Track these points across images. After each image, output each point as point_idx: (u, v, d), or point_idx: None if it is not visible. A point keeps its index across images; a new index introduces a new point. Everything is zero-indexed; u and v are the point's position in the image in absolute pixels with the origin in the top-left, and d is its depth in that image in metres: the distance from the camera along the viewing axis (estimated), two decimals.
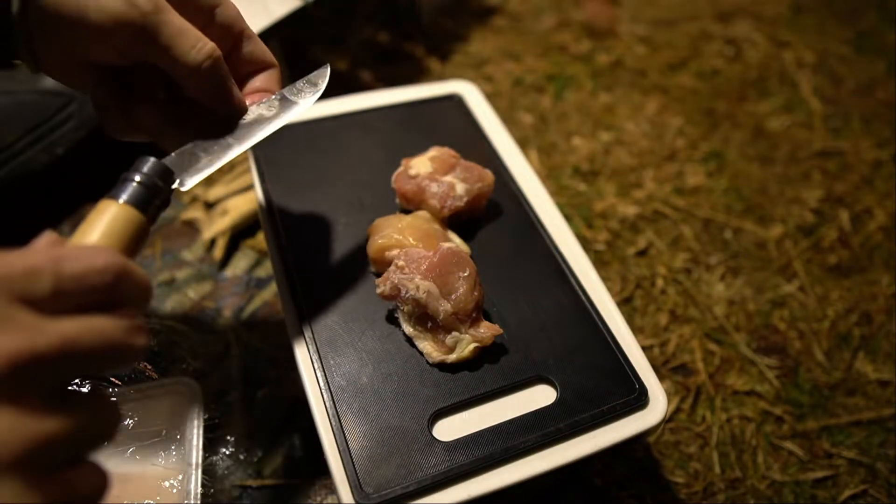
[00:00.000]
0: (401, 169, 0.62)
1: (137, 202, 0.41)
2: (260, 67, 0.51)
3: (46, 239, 0.34)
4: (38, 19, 0.42)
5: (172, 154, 0.48)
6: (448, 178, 0.60)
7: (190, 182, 0.47)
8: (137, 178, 0.42)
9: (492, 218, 0.63)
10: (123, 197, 0.41)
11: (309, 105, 0.51)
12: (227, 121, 0.50)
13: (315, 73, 0.54)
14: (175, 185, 0.45)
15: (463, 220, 0.61)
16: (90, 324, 0.31)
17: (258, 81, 0.51)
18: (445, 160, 0.61)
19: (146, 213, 0.41)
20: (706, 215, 0.90)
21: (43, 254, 0.31)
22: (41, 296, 0.30)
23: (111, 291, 0.32)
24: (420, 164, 0.61)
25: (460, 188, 0.59)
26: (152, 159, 0.43)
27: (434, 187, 0.59)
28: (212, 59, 0.45)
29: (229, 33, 0.48)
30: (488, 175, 0.61)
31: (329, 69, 0.54)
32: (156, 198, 0.42)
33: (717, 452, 0.68)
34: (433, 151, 0.62)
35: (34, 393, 0.28)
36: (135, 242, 0.40)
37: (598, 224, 0.88)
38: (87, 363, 0.31)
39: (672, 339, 0.77)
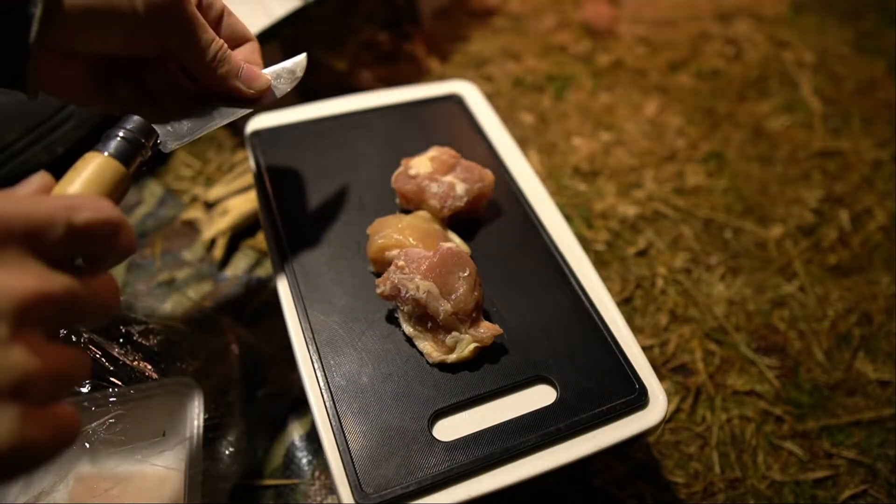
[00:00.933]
0: (401, 169, 0.62)
1: (121, 155, 0.43)
2: (241, 41, 0.53)
3: (41, 180, 0.36)
4: (56, 23, 0.42)
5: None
6: (448, 178, 0.60)
7: (172, 145, 0.49)
8: (121, 133, 0.44)
9: (492, 218, 0.63)
10: (108, 150, 0.43)
11: (285, 92, 0.53)
12: (211, 96, 0.52)
13: (294, 60, 0.55)
14: (157, 143, 0.47)
15: (463, 220, 0.61)
16: (88, 281, 0.33)
17: (241, 55, 0.52)
18: (445, 160, 0.61)
19: (128, 167, 0.43)
20: (706, 215, 0.90)
21: (56, 202, 0.32)
22: (52, 242, 0.32)
23: (109, 242, 0.35)
24: (420, 164, 0.61)
25: (460, 188, 0.59)
26: (137, 117, 0.45)
27: (434, 187, 0.59)
28: (224, 56, 0.49)
29: (211, 10, 0.51)
30: (488, 175, 0.61)
31: (306, 58, 0.55)
32: (138, 153, 0.44)
33: (717, 452, 0.68)
34: (433, 151, 0.62)
35: (35, 332, 0.31)
36: (118, 194, 0.42)
37: (598, 224, 0.88)
38: (79, 314, 0.33)
39: (672, 339, 0.77)
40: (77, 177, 0.40)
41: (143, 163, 0.46)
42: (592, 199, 0.92)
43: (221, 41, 0.49)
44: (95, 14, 0.43)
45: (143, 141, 0.45)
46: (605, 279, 0.82)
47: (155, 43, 0.47)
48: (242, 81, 0.51)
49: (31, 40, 0.41)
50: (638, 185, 0.94)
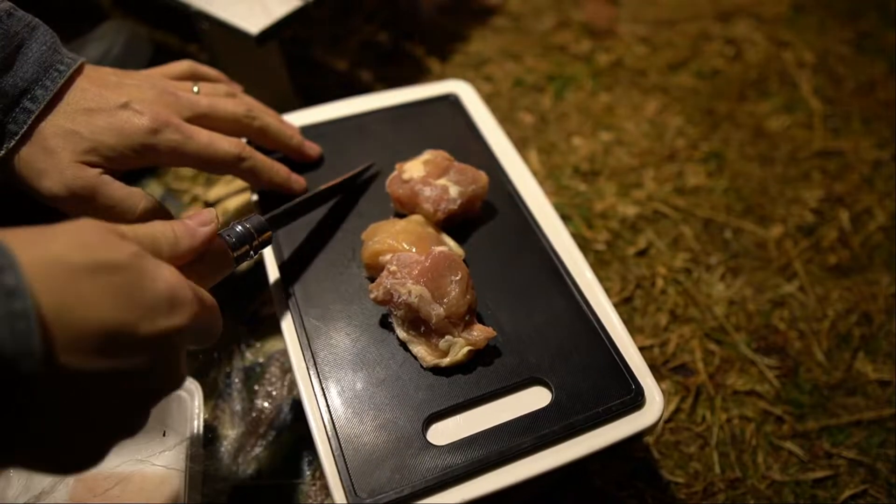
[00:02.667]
0: (394, 173, 0.62)
1: (231, 239, 0.50)
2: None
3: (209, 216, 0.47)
4: None
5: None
6: (441, 182, 0.60)
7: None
8: (240, 226, 0.51)
9: (487, 219, 0.63)
10: (226, 234, 0.50)
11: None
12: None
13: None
14: (269, 241, 0.54)
15: (458, 223, 0.61)
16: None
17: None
18: (439, 163, 0.61)
19: (233, 250, 0.50)
20: (706, 215, 0.90)
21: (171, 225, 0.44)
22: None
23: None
24: (413, 168, 0.61)
25: (454, 191, 0.59)
26: (257, 217, 0.52)
27: (427, 191, 0.59)
28: (147, 208, 0.56)
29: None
30: (482, 177, 0.61)
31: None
32: (246, 242, 0.51)
33: (717, 452, 0.68)
34: (427, 155, 0.62)
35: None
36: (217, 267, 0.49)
37: (598, 224, 0.88)
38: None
39: (672, 339, 0.77)
40: None
41: (251, 251, 0.51)
42: (592, 199, 0.92)
43: (143, 205, 0.55)
44: (26, 184, 0.54)
45: (254, 234, 0.51)
46: (605, 279, 0.82)
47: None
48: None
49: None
50: (638, 185, 0.94)
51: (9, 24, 0.49)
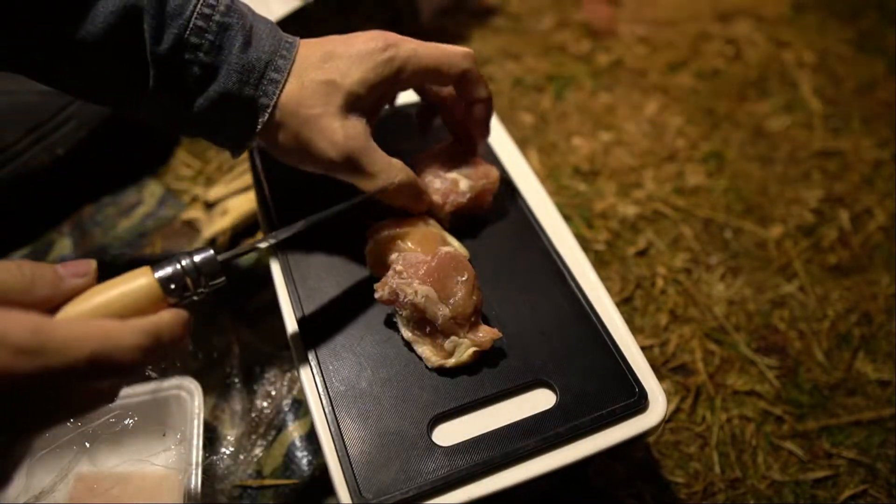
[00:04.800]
0: (425, 151, 0.62)
1: (167, 285, 0.42)
2: (473, 102, 0.60)
3: (87, 268, 0.41)
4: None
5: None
6: (452, 175, 0.59)
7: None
8: (184, 262, 0.43)
9: (491, 220, 0.63)
10: (158, 273, 0.42)
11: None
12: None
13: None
14: (219, 284, 0.46)
15: (466, 218, 0.61)
16: None
17: (475, 113, 0.61)
18: (450, 155, 0.61)
19: (171, 297, 0.43)
20: (706, 215, 0.90)
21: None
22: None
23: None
24: (423, 160, 0.61)
25: (464, 184, 0.59)
26: (210, 253, 0.44)
27: (437, 183, 0.59)
28: (403, 182, 0.55)
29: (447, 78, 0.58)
30: (493, 172, 0.61)
31: None
32: (188, 290, 0.44)
33: (717, 452, 0.68)
34: (439, 146, 0.62)
35: None
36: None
37: (598, 224, 0.88)
38: None
39: (672, 339, 0.77)
40: (113, 289, 0.41)
41: (196, 300, 0.45)
42: (592, 199, 0.92)
43: (400, 178, 0.55)
44: (296, 153, 0.55)
45: (200, 279, 0.44)
46: (605, 279, 0.82)
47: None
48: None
49: (253, 134, 0.55)
50: (638, 185, 0.94)
51: (239, 7, 0.53)
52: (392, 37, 0.55)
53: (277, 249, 0.59)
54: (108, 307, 0.40)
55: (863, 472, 0.68)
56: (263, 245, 0.51)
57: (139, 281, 0.41)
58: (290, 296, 0.56)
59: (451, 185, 0.59)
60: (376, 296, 0.52)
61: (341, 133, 0.53)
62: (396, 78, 0.55)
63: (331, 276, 0.58)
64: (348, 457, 0.46)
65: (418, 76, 0.56)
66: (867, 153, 1.00)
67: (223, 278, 0.45)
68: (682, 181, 0.95)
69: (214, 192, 0.86)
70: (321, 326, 0.54)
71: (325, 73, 0.53)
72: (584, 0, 1.27)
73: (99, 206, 0.85)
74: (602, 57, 1.16)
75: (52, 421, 0.39)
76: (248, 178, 0.87)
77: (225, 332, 0.72)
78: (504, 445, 0.47)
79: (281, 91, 0.53)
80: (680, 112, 1.06)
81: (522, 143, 0.98)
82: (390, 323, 0.54)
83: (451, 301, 0.50)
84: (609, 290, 0.58)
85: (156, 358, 0.39)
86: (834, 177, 0.97)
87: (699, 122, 1.04)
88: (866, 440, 0.70)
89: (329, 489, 0.63)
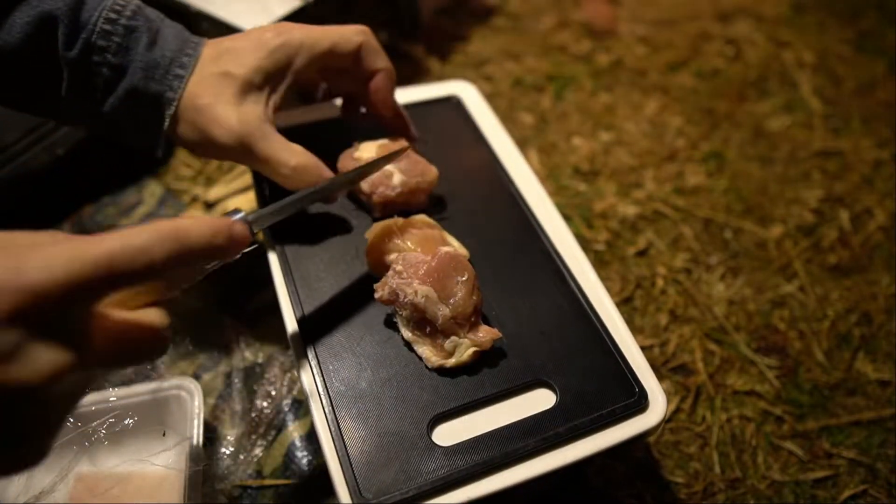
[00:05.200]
0: (349, 149, 0.62)
1: None
2: (373, 74, 0.62)
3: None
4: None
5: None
6: (389, 168, 0.60)
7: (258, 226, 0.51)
8: None
9: (490, 220, 0.63)
10: None
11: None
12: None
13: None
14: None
15: (398, 211, 0.60)
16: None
17: (374, 85, 0.62)
18: (392, 149, 0.61)
19: None
20: (706, 215, 0.90)
21: (90, 246, 0.33)
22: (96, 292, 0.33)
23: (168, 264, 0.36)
24: (367, 149, 0.62)
25: (396, 178, 0.60)
26: (241, 213, 0.47)
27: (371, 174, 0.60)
28: (300, 165, 0.57)
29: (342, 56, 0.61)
30: (432, 171, 0.61)
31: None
32: None
33: (717, 452, 0.68)
34: (385, 140, 0.63)
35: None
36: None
37: (598, 224, 0.88)
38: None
39: (672, 339, 0.77)
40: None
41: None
42: (592, 199, 0.92)
43: (296, 161, 0.56)
44: (198, 144, 0.57)
45: None
46: (605, 279, 0.82)
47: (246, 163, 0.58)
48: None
49: (162, 129, 0.57)
50: (638, 185, 0.94)
51: (146, 12, 0.56)
52: (286, 25, 0.59)
53: (276, 249, 0.59)
54: None
55: (863, 472, 0.68)
56: (290, 204, 0.53)
57: None
58: (290, 296, 0.56)
59: (383, 176, 0.59)
60: (376, 296, 0.52)
61: (235, 119, 0.55)
62: (291, 63, 0.57)
63: (331, 276, 0.58)
64: (348, 457, 0.46)
65: (316, 59, 0.59)
66: (867, 153, 1.00)
67: (253, 238, 0.47)
68: (682, 181, 0.95)
69: (214, 192, 0.86)
70: (321, 326, 0.54)
71: (221, 65, 0.56)
72: (584, 0, 1.27)
73: (99, 206, 0.85)
74: (602, 57, 1.16)
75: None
76: (248, 178, 0.87)
77: (225, 332, 0.72)
78: (504, 445, 0.47)
79: (185, 86, 0.56)
80: (680, 112, 1.06)
81: (522, 143, 0.98)
82: (390, 323, 0.54)
83: (451, 301, 0.50)
84: (609, 290, 0.59)
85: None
86: (834, 177, 0.97)
87: (699, 122, 1.04)
88: (866, 440, 0.70)
89: (329, 489, 0.62)
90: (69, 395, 0.34)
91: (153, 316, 0.37)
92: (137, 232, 0.34)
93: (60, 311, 0.31)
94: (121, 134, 0.59)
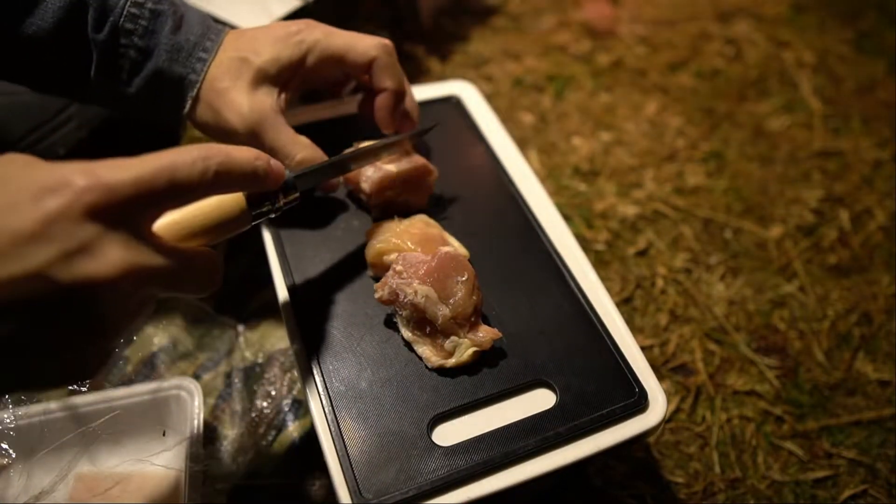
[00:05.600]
0: (349, 150, 0.62)
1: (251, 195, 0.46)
2: (380, 90, 0.63)
3: None
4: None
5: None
6: (389, 166, 0.60)
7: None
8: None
9: (490, 221, 0.63)
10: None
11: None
12: None
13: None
14: (294, 201, 0.50)
15: (400, 210, 0.61)
16: (189, 257, 0.40)
17: (379, 101, 0.63)
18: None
19: (252, 208, 0.46)
20: (706, 215, 0.90)
21: (151, 159, 0.37)
22: (157, 199, 0.37)
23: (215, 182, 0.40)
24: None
25: (391, 167, 0.60)
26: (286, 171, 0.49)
27: (370, 171, 0.60)
28: (306, 159, 0.58)
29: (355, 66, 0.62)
30: (432, 171, 0.61)
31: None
32: (268, 200, 0.47)
33: (717, 452, 0.68)
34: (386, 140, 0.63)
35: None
36: (231, 223, 0.45)
37: (598, 224, 0.88)
38: (174, 286, 0.39)
39: (672, 339, 0.77)
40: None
41: (272, 210, 0.48)
42: (592, 199, 0.92)
43: (302, 155, 0.58)
44: (213, 128, 0.59)
45: (277, 194, 0.48)
46: (605, 279, 0.82)
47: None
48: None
49: (184, 111, 0.59)
50: (638, 185, 0.94)
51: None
52: (309, 23, 0.60)
53: (278, 251, 0.59)
54: (199, 210, 0.43)
55: (863, 472, 0.68)
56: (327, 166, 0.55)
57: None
58: (290, 296, 0.56)
59: (383, 175, 0.60)
60: (376, 296, 0.52)
61: (247, 106, 0.57)
62: (305, 58, 0.59)
63: (331, 276, 0.58)
64: (348, 457, 0.46)
65: (326, 61, 0.60)
66: (867, 153, 1.00)
67: (297, 194, 0.50)
68: (682, 181, 0.95)
69: None
70: (321, 327, 0.54)
71: (240, 51, 0.58)
72: (584, 0, 1.27)
73: None
74: (602, 57, 1.16)
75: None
76: None
77: (225, 332, 0.72)
78: (504, 445, 0.47)
79: (207, 70, 0.58)
80: (680, 112, 1.06)
81: (522, 143, 0.98)
82: (390, 323, 0.54)
83: (451, 301, 0.50)
84: (609, 290, 0.59)
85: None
86: (834, 177, 0.97)
87: (699, 122, 1.04)
88: (866, 440, 0.70)
89: (329, 489, 0.63)
90: (132, 308, 0.37)
91: (210, 251, 0.41)
92: (190, 147, 0.38)
93: (131, 211, 0.35)
94: (145, 114, 0.60)
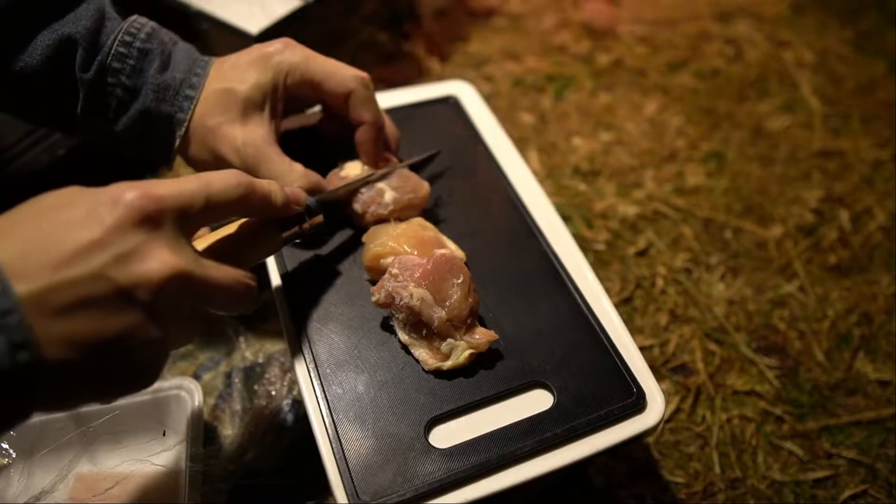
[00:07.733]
0: (336, 169, 0.62)
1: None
2: (360, 123, 0.62)
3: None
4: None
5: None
6: (380, 185, 0.60)
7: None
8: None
9: (488, 222, 0.63)
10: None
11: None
12: None
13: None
14: (319, 225, 0.54)
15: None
16: (227, 272, 0.43)
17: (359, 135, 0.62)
18: (380, 165, 0.61)
19: (282, 230, 0.51)
20: (706, 215, 0.90)
21: (191, 179, 0.41)
22: (196, 212, 0.41)
23: (243, 202, 0.44)
24: (353, 167, 0.61)
25: (388, 196, 0.59)
26: (312, 198, 0.54)
27: (363, 191, 0.59)
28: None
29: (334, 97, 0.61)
30: (424, 187, 0.61)
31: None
32: (297, 224, 0.52)
33: (717, 452, 0.68)
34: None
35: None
36: (263, 245, 0.50)
37: (598, 224, 0.88)
38: (208, 299, 0.42)
39: (672, 339, 0.77)
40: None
41: (300, 234, 0.52)
42: (592, 199, 0.92)
43: (295, 180, 0.57)
44: (208, 164, 0.59)
45: (305, 216, 0.52)
46: (605, 279, 0.82)
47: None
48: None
49: (174, 148, 0.59)
50: (638, 185, 0.94)
51: (160, 35, 0.58)
52: (287, 42, 0.60)
53: (277, 253, 0.59)
54: (236, 233, 0.48)
55: (863, 472, 0.68)
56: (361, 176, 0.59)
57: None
58: (287, 300, 0.56)
59: (375, 194, 0.59)
60: (373, 299, 0.52)
61: (240, 139, 0.57)
62: (285, 80, 0.59)
63: (327, 279, 0.58)
64: (345, 459, 0.46)
65: (303, 85, 0.59)
66: (867, 153, 1.00)
67: (320, 215, 0.53)
68: (682, 181, 0.95)
69: None
70: (318, 330, 0.54)
71: (224, 81, 0.58)
72: (584, 0, 1.27)
73: None
74: (602, 57, 1.16)
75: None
76: None
77: (225, 332, 0.73)
78: (501, 447, 0.47)
79: (195, 107, 0.58)
80: (680, 112, 1.06)
81: (522, 143, 0.98)
82: (387, 326, 0.54)
83: (447, 303, 0.50)
84: (609, 290, 0.59)
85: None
86: (834, 177, 0.97)
87: (699, 122, 1.04)
88: (866, 440, 0.70)
89: (328, 489, 0.63)
90: (180, 319, 0.40)
91: (244, 271, 0.44)
92: (224, 172, 0.43)
93: (175, 220, 0.39)
94: (134, 150, 0.60)
